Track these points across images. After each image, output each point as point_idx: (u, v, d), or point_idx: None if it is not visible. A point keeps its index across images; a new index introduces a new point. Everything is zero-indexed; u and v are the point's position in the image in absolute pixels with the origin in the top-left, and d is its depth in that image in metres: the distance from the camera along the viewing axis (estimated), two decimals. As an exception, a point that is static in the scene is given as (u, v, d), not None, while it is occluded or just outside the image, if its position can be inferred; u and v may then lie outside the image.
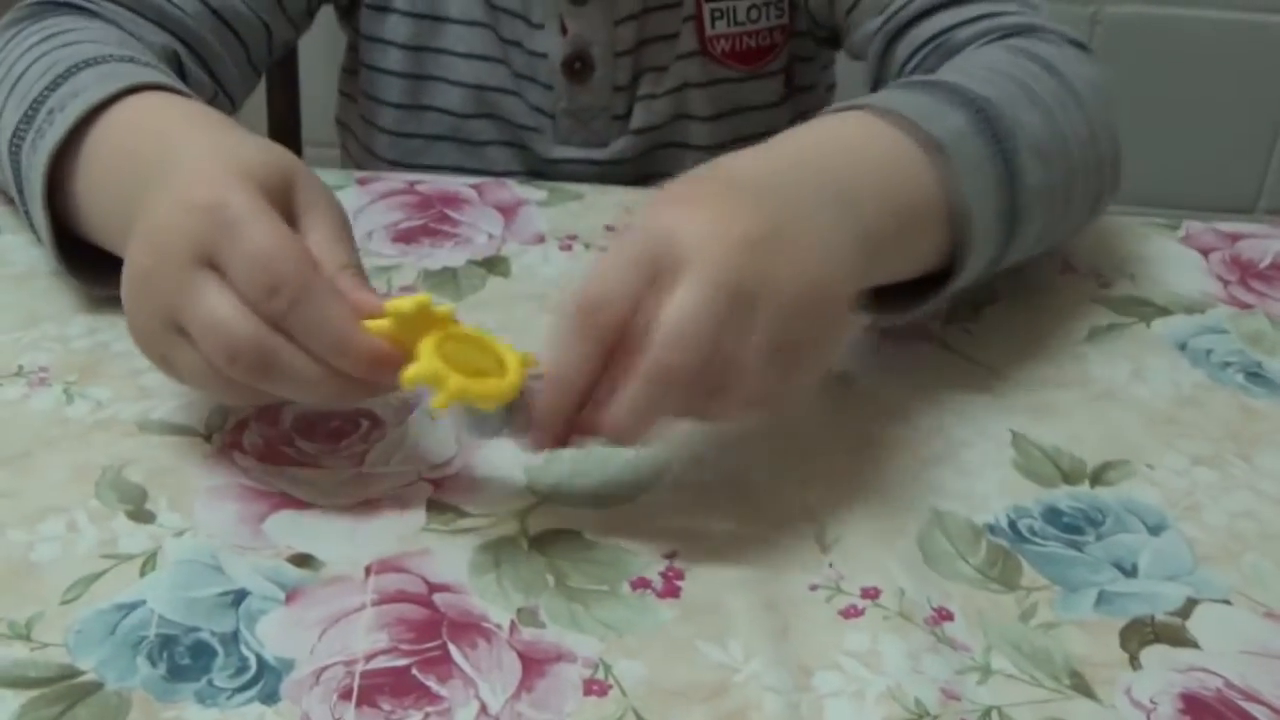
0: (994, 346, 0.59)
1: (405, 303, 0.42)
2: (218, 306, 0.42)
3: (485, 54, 0.76)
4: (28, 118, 0.55)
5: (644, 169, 0.78)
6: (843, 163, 0.51)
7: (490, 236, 0.64)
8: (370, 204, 0.67)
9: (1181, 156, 1.43)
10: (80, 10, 0.65)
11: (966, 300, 0.62)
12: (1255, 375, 0.58)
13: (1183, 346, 0.60)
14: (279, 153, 0.47)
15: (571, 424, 0.44)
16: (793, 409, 0.50)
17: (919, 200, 0.53)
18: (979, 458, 0.52)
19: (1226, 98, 1.40)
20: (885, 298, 0.54)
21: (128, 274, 0.45)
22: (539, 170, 0.77)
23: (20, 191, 0.56)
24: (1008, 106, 0.57)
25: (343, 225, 0.47)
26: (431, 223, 0.66)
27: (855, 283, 0.48)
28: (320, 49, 0.97)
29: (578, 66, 0.75)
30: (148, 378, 0.52)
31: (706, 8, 0.75)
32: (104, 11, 0.66)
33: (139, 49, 0.62)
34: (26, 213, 0.57)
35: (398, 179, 0.69)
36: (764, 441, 0.51)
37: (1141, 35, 1.38)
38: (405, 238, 0.64)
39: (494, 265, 0.62)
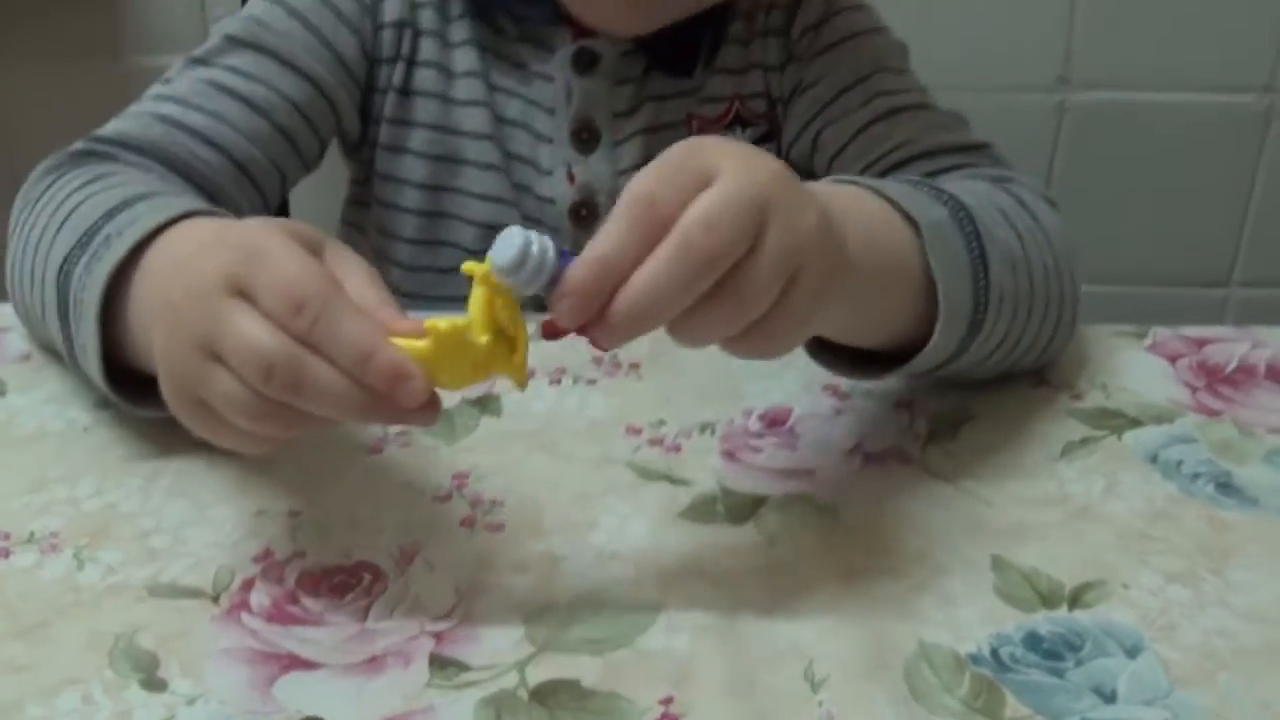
0: (972, 467, 0.61)
1: (442, 323, 0.45)
2: (249, 326, 0.45)
3: (498, 196, 0.80)
4: (81, 244, 0.58)
5: None
6: (832, 194, 0.55)
7: (482, 375, 0.67)
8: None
9: (1157, 233, 1.46)
10: (109, 158, 0.69)
11: (945, 421, 0.64)
12: (1225, 485, 0.60)
13: (1154, 459, 0.62)
14: (309, 226, 0.50)
15: (596, 304, 0.46)
16: (792, 344, 0.51)
17: (898, 252, 0.58)
18: (961, 584, 0.53)
19: (1197, 176, 1.43)
20: (861, 366, 0.60)
21: (161, 314, 0.48)
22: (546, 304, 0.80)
23: (64, 315, 0.58)
24: (983, 215, 0.62)
25: (374, 275, 0.49)
26: (424, 362, 0.68)
27: (848, 257, 0.51)
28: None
29: (583, 213, 0.79)
30: (156, 539, 0.54)
31: None
32: (131, 162, 0.69)
33: (182, 188, 0.65)
34: (67, 339, 0.59)
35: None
36: (755, 577, 0.53)
37: (1110, 121, 1.41)
38: (399, 379, 0.66)
39: (487, 404, 0.64)
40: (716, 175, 0.47)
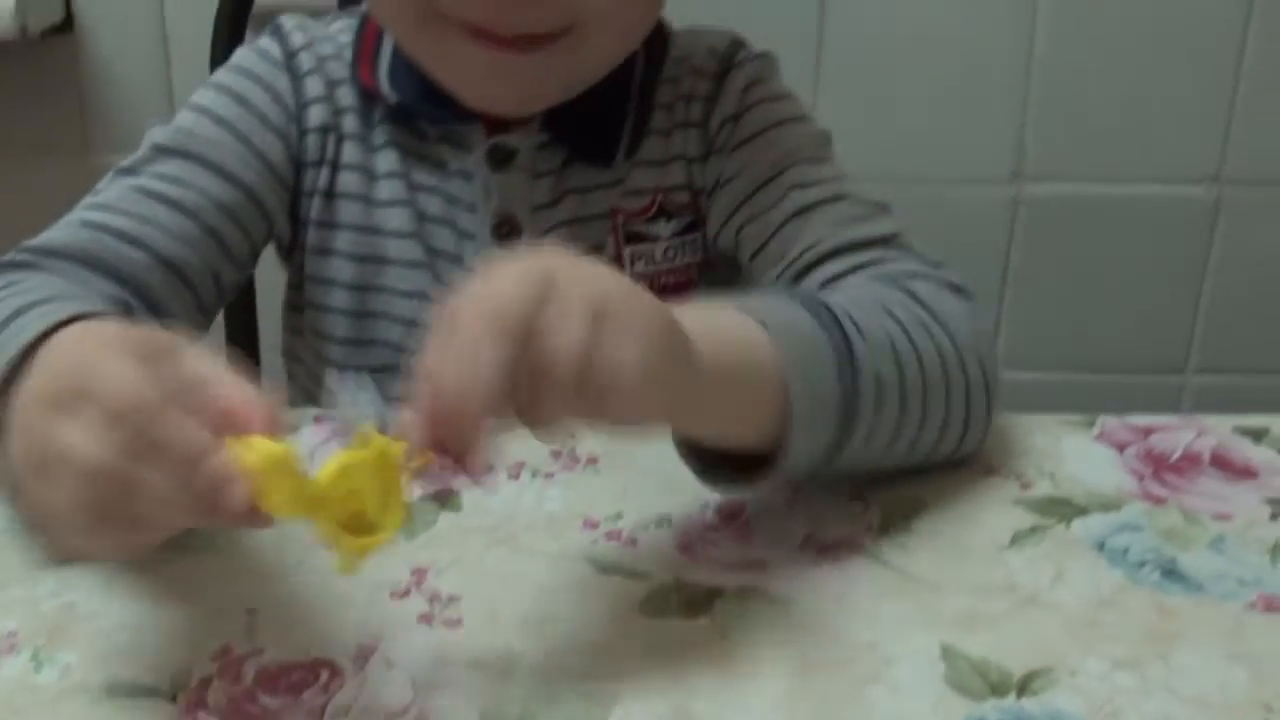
0: (923, 557, 0.62)
1: (262, 447, 0.45)
2: (73, 438, 0.45)
3: (424, 292, 0.81)
4: None
5: None
6: (670, 303, 0.56)
7: (441, 468, 0.67)
8: (325, 441, 0.70)
9: (1113, 321, 1.49)
10: (30, 266, 0.69)
11: (896, 511, 0.65)
12: (1170, 572, 0.61)
13: (1101, 546, 0.63)
14: (165, 333, 0.50)
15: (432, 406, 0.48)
16: (642, 398, 0.52)
17: (750, 346, 0.59)
18: (911, 674, 0.54)
19: (1150, 265, 1.46)
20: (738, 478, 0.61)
21: (6, 435, 0.49)
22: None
23: None
24: (854, 311, 0.64)
25: (237, 373, 0.49)
26: (384, 458, 0.69)
27: (670, 337, 0.53)
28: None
29: None
30: (116, 637, 0.55)
31: (627, 250, 0.80)
32: (53, 268, 0.70)
33: (84, 293, 0.65)
34: None
35: (351, 414, 0.73)
36: (710, 669, 0.54)
37: (1064, 213, 1.44)
38: (360, 475, 0.67)
39: (446, 500, 0.65)
40: (503, 266, 0.50)
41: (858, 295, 0.67)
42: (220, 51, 1.17)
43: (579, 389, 0.49)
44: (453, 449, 0.48)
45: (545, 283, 0.49)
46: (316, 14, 0.87)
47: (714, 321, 0.58)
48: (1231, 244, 1.45)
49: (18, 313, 0.59)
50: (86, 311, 0.58)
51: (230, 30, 1.17)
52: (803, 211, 0.77)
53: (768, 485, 0.61)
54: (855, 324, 0.63)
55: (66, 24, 1.35)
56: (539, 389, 0.48)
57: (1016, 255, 1.46)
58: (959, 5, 1.36)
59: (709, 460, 0.61)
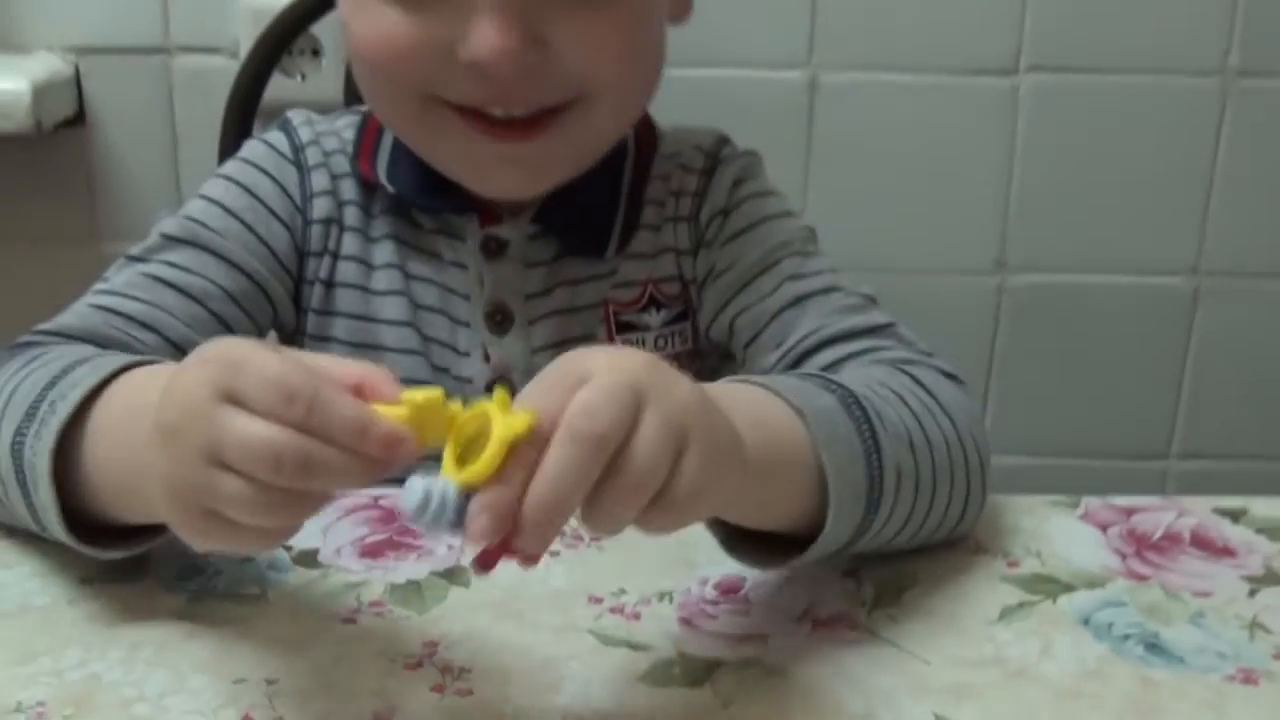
0: (915, 630, 0.65)
1: (418, 395, 0.50)
2: (249, 425, 0.49)
3: (419, 379, 0.83)
4: (28, 416, 0.62)
5: None
6: (715, 388, 0.60)
7: (450, 548, 0.70)
8: (338, 519, 0.72)
9: (1097, 407, 1.52)
10: (45, 346, 0.72)
11: (889, 586, 0.68)
12: (1153, 646, 0.64)
13: (1086, 621, 0.66)
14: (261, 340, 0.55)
15: (507, 514, 0.49)
16: (697, 515, 0.55)
17: (787, 436, 0.62)
18: (905, 742, 0.57)
19: (1132, 353, 1.50)
20: (761, 553, 0.63)
21: (156, 441, 0.52)
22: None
23: (23, 484, 0.62)
24: (875, 400, 0.66)
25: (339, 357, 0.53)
26: (395, 536, 0.71)
27: (732, 450, 0.55)
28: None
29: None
30: (138, 708, 0.57)
31: (619, 339, 0.84)
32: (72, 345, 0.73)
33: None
34: (29, 505, 0.62)
35: (363, 494, 0.75)
36: (709, 737, 0.56)
37: (1046, 302, 1.48)
38: (371, 552, 0.70)
39: (454, 576, 0.68)
40: (591, 375, 0.51)
41: (869, 380, 0.69)
42: (228, 145, 1.21)
43: (651, 508, 0.52)
44: (521, 548, 0.50)
45: (636, 404, 0.51)
46: (323, 109, 0.90)
47: (759, 413, 0.61)
48: (1210, 333, 1.49)
49: (74, 365, 0.64)
50: (137, 360, 0.62)
51: (238, 124, 1.21)
52: (798, 301, 0.80)
53: (796, 564, 0.64)
54: (877, 412, 0.65)
55: (78, 117, 1.39)
56: (606, 495, 0.51)
57: (1001, 343, 1.49)
58: (944, 103, 1.41)
59: (733, 532, 0.64)
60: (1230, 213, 1.45)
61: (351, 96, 1.23)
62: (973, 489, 0.71)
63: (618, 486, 0.50)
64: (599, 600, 0.66)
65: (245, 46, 1.27)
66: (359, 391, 0.50)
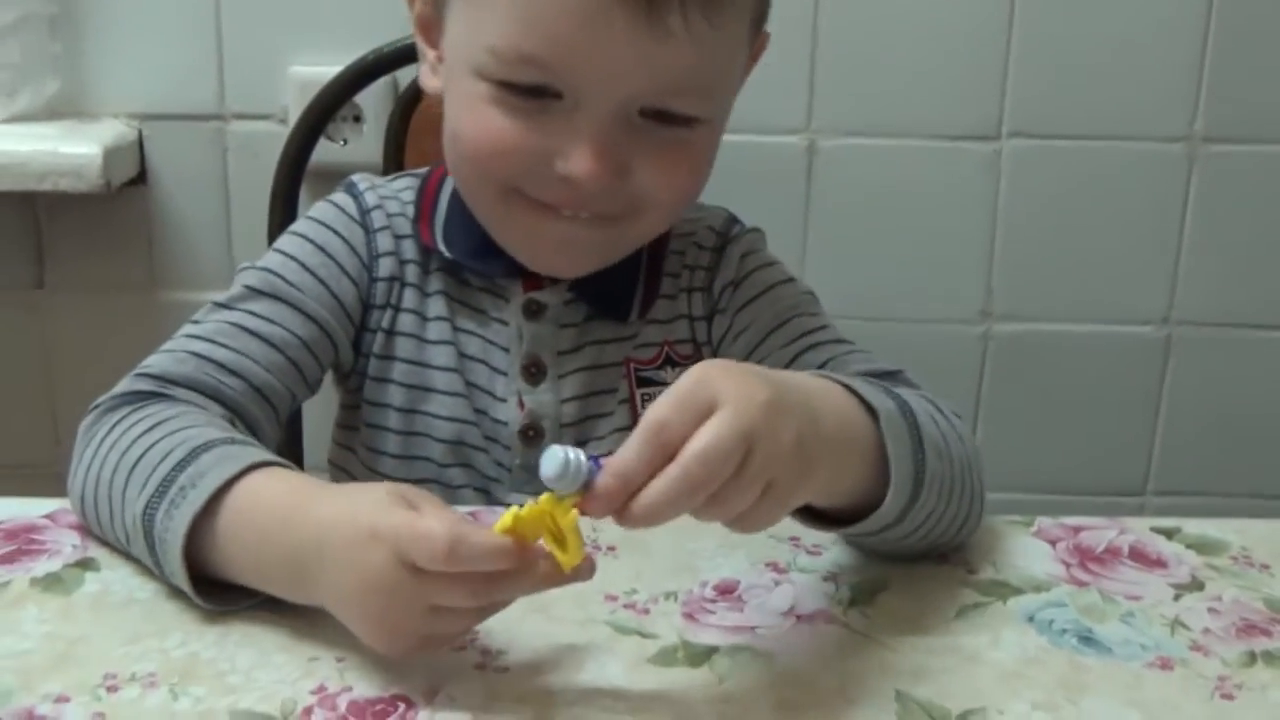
0: (884, 625, 0.76)
1: (507, 516, 0.63)
2: (447, 581, 0.63)
3: (462, 418, 0.95)
4: (159, 493, 0.73)
5: None
6: (812, 388, 0.72)
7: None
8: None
9: (1077, 446, 1.62)
10: (164, 397, 0.83)
11: (864, 589, 0.79)
12: (1086, 639, 0.75)
13: (1031, 618, 0.77)
14: (382, 485, 0.69)
15: (617, 505, 0.62)
16: (768, 526, 0.68)
17: (860, 435, 0.73)
18: (869, 713, 0.67)
19: (1109, 397, 1.60)
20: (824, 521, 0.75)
21: (368, 627, 0.67)
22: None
23: (151, 548, 0.74)
24: (919, 411, 0.78)
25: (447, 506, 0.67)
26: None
27: (818, 462, 0.68)
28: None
29: (531, 434, 0.95)
30: (232, 678, 0.68)
31: (639, 393, 0.95)
32: (180, 396, 0.84)
33: (229, 428, 0.80)
34: (156, 564, 0.74)
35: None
36: (708, 708, 0.67)
37: (1029, 349, 1.58)
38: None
39: (491, 578, 0.79)
40: (717, 406, 0.63)
41: (908, 395, 0.80)
42: (277, 203, 1.32)
43: (732, 520, 0.65)
44: (621, 524, 0.63)
45: (745, 447, 0.62)
46: (364, 171, 1.02)
47: (840, 413, 0.72)
48: (1182, 377, 1.59)
49: (200, 449, 0.75)
50: (259, 460, 0.75)
51: (287, 185, 1.32)
52: (814, 348, 0.92)
53: (835, 532, 0.78)
54: (921, 423, 0.77)
55: (141, 177, 1.51)
56: (701, 516, 0.64)
57: (987, 386, 1.59)
58: (933, 165, 1.52)
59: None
60: (1198, 266, 1.56)
61: (390, 161, 1.35)
62: (974, 509, 0.82)
63: (707, 510, 0.64)
64: (614, 598, 0.77)
65: (294, 114, 1.38)
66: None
